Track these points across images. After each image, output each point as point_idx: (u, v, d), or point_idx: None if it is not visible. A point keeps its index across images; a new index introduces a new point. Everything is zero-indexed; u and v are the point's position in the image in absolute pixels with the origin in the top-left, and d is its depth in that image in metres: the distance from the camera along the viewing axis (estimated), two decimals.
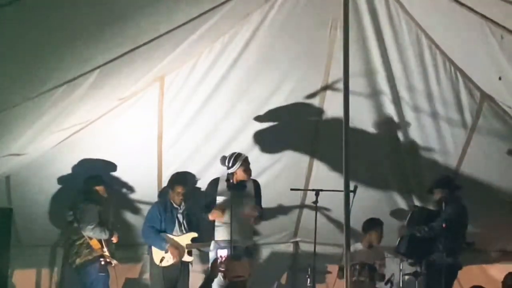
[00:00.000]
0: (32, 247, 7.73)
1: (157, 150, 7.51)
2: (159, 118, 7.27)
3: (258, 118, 7.50)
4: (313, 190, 7.30)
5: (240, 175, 7.08)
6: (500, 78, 6.30)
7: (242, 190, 7.12)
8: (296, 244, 8.82)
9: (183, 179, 7.68)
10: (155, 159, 7.60)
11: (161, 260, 7.34)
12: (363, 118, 7.48)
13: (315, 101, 7.47)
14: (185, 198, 7.59)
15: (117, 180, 7.67)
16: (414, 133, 7.73)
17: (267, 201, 7.60)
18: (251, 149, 7.57)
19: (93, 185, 7.33)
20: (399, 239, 7.47)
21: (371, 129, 7.69)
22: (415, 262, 7.42)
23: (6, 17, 3.75)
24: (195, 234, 7.52)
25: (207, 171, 7.75)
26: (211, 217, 7.09)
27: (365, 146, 7.54)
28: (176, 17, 5.39)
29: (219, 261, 5.95)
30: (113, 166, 7.55)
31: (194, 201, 7.68)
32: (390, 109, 7.51)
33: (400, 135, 7.78)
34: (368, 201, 7.94)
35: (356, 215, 7.34)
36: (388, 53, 6.95)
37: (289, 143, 7.81)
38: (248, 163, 7.13)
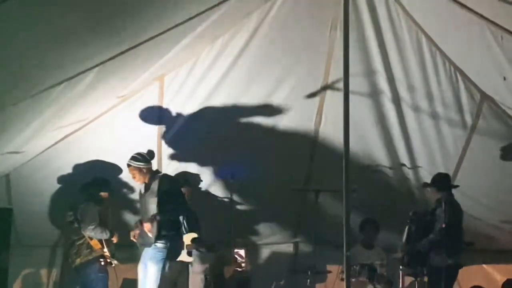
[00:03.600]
0: (32, 247, 7.74)
1: (157, 150, 7.50)
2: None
3: (258, 119, 7.51)
4: (313, 190, 7.30)
5: None
6: (504, 79, 6.30)
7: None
8: (296, 244, 8.82)
9: (188, 179, 7.67)
10: (155, 158, 7.59)
11: None
12: (363, 118, 7.48)
13: (315, 101, 7.47)
14: (188, 199, 7.58)
15: (117, 180, 7.66)
16: (414, 134, 7.73)
17: (267, 201, 7.58)
18: (251, 148, 7.57)
19: (100, 191, 7.31)
20: (401, 255, 7.36)
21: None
22: (420, 268, 7.36)
23: (4, 14, 3.75)
24: (195, 235, 7.50)
25: (207, 170, 7.74)
26: None
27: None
28: (176, 16, 5.40)
29: (238, 260, 6.07)
30: (119, 170, 7.55)
31: (195, 201, 7.67)
32: (390, 109, 7.50)
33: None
34: (369, 203, 7.95)
35: (356, 217, 7.37)
36: (388, 53, 6.95)
37: (288, 143, 7.80)
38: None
